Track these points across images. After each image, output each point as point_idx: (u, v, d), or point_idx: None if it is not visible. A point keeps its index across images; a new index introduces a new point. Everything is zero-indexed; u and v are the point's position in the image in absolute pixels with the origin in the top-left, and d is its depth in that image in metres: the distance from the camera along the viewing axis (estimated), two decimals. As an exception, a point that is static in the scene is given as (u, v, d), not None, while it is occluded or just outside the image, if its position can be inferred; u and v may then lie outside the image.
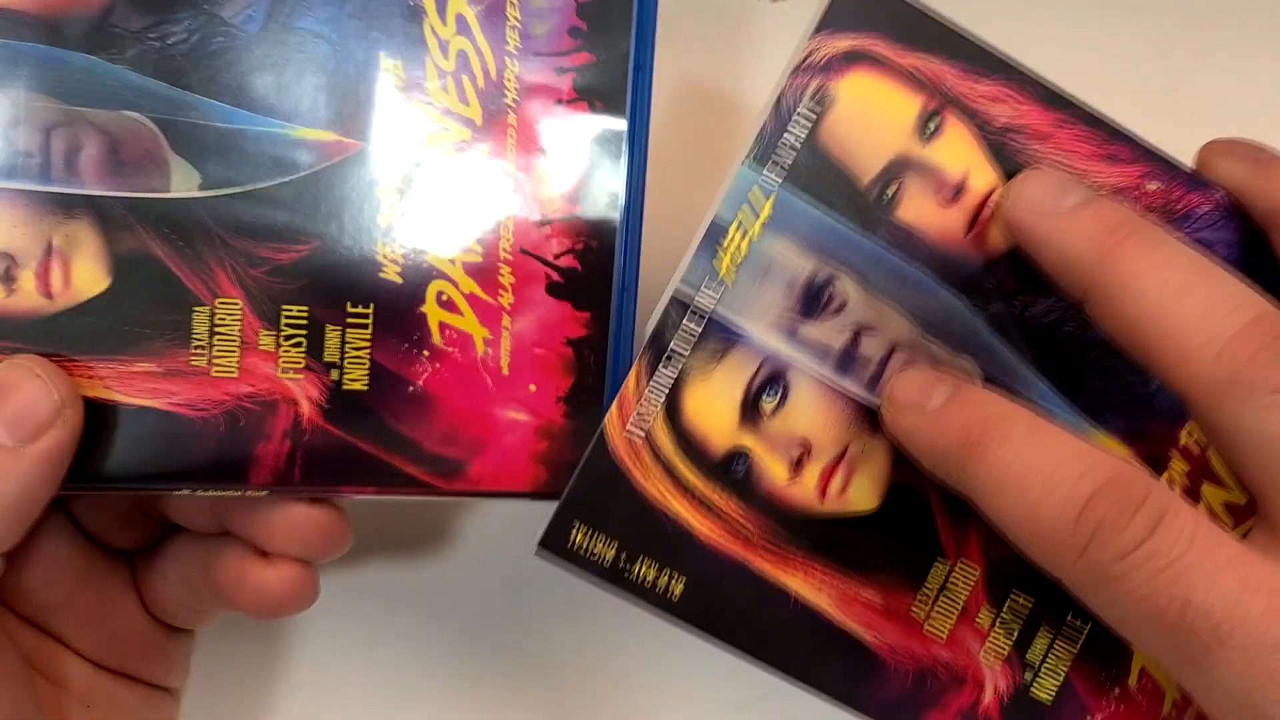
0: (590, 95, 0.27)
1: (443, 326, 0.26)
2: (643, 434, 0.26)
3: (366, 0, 0.26)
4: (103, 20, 0.25)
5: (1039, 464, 0.23)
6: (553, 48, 0.27)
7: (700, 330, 0.26)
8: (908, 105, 0.26)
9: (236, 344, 0.25)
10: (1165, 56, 0.37)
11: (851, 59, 0.26)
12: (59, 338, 0.25)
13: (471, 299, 0.27)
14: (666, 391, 0.26)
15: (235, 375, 0.26)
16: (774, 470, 0.27)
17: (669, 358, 0.26)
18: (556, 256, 0.27)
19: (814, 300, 0.27)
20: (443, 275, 0.26)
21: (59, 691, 0.28)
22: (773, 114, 0.26)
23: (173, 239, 0.25)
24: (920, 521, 0.27)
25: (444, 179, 0.26)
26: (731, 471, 0.27)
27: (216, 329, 0.25)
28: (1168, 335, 0.23)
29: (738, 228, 0.26)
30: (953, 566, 0.27)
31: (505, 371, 0.27)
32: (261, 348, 0.26)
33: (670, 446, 0.26)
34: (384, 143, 0.26)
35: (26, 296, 0.25)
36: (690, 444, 0.26)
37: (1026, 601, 0.27)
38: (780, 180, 0.26)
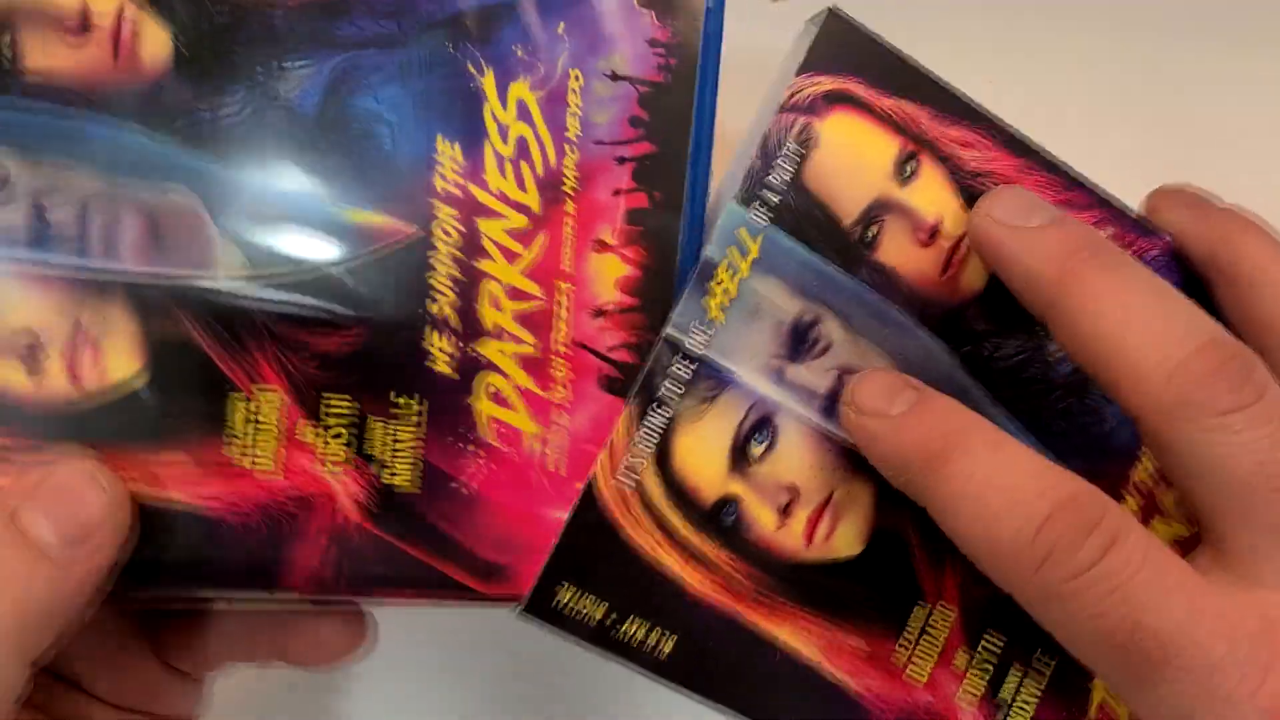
0: (649, 186, 0.26)
1: (493, 421, 0.25)
2: (633, 483, 0.25)
3: (428, 83, 0.24)
4: (153, 92, 0.23)
5: (1000, 480, 0.23)
6: (613, 136, 0.25)
7: (692, 373, 0.25)
8: (886, 147, 0.26)
9: (275, 435, 0.24)
10: (1171, 59, 0.37)
11: (833, 100, 0.26)
12: (87, 427, 0.23)
13: (524, 393, 0.25)
14: (657, 438, 0.25)
15: (273, 469, 0.24)
16: (763, 518, 0.26)
17: (660, 403, 0.25)
18: (610, 350, 0.25)
19: (800, 342, 0.26)
20: (494, 368, 0.25)
21: None
22: (759, 152, 0.26)
23: (213, 324, 0.23)
24: (901, 565, 0.27)
25: (499, 267, 0.25)
26: (721, 521, 0.26)
27: (256, 420, 0.23)
28: (1123, 356, 0.23)
29: (727, 267, 0.25)
30: (932, 609, 0.27)
31: (555, 469, 0.25)
32: (300, 438, 0.24)
33: (660, 496, 0.25)
34: (439, 229, 0.24)
35: (54, 380, 0.22)
36: (681, 493, 0.25)
37: (998, 641, 0.27)
38: (768, 220, 0.26)
